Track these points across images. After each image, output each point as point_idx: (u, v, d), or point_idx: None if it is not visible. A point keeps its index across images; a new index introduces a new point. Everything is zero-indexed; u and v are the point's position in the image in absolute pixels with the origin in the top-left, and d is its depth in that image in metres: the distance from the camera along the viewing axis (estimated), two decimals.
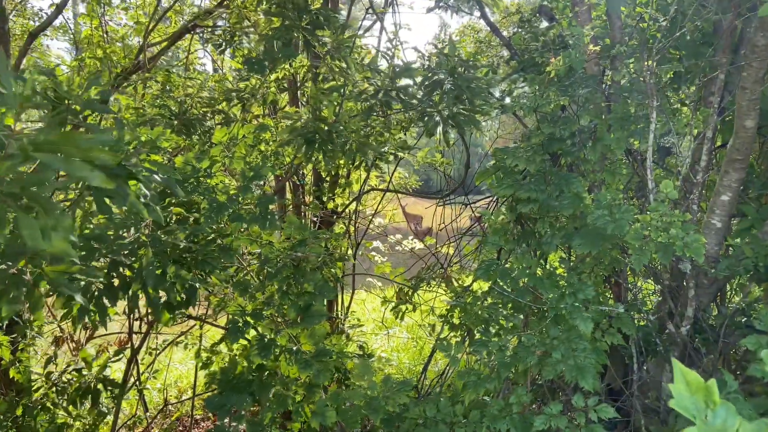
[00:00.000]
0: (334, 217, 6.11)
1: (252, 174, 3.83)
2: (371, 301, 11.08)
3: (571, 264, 4.20)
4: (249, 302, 3.81)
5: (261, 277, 3.81)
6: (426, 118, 3.96)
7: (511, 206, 4.29)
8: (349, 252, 6.32)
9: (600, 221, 3.49)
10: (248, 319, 3.76)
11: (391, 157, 4.80)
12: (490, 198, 5.46)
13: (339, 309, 6.46)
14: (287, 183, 6.38)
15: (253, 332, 3.87)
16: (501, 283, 3.95)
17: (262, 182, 4.56)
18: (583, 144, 4.14)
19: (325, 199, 6.15)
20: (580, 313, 3.56)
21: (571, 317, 3.56)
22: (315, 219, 6.00)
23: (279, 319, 3.82)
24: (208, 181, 3.80)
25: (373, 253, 7.11)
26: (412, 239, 7.13)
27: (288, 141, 3.94)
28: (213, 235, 3.81)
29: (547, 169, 4.09)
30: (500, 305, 3.99)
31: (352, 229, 6.40)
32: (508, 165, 4.11)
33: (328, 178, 6.19)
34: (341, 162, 5.01)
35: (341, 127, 3.99)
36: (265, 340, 3.80)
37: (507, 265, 4.09)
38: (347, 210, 6.38)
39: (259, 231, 3.88)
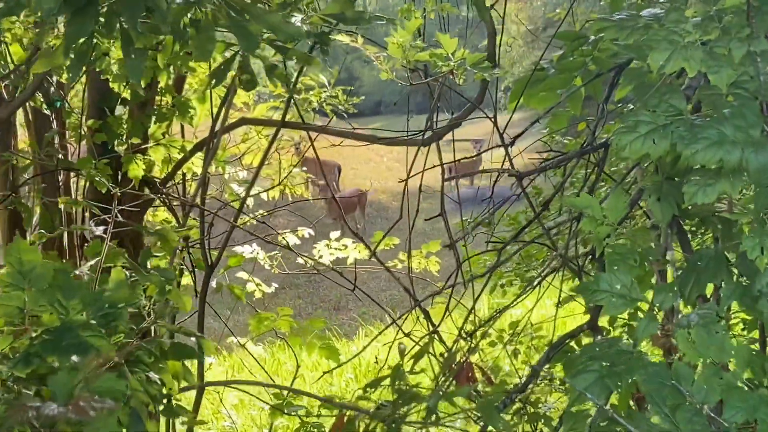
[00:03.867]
0: (145, 193, 2.76)
1: None
2: (244, 403, 5.32)
3: None
4: None
5: None
6: None
7: (659, 187, 1.54)
8: (184, 290, 2.69)
9: None
10: None
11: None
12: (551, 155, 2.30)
13: None
14: (25, 112, 3.20)
15: None
16: (660, 413, 1.47)
17: None
18: None
19: (121, 149, 2.90)
20: None
21: None
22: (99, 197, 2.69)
23: None
24: None
25: (247, 285, 3.17)
26: (342, 238, 3.38)
27: None
28: None
29: None
30: None
31: (192, 228, 2.68)
32: (647, 65, 1.58)
33: (126, 94, 2.88)
34: (160, 55, 2.07)
35: None
36: None
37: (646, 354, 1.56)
38: (179, 177, 3.05)
39: None
